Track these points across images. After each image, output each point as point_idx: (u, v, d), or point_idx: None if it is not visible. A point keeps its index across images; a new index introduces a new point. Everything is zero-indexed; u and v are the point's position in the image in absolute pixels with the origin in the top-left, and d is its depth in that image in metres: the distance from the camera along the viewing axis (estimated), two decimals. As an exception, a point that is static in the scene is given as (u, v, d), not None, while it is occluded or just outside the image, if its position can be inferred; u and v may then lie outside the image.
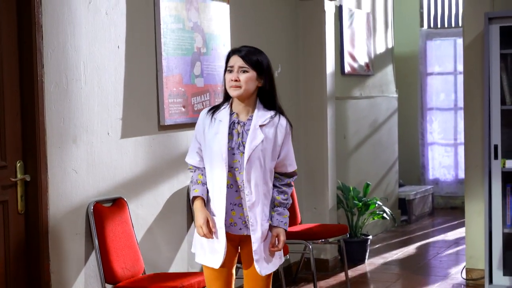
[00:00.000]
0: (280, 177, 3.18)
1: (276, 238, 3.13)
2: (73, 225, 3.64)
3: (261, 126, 3.07)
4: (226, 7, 4.79)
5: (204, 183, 3.14)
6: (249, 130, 3.06)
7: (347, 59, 6.61)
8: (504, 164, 4.85)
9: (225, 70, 3.12)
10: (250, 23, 5.15)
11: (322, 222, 5.68)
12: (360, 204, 6.06)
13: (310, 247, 5.01)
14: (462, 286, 5.29)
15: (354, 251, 5.95)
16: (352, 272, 5.71)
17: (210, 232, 3.05)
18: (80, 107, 3.67)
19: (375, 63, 7.24)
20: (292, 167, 3.20)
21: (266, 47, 5.32)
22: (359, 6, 6.91)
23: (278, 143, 3.11)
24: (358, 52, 6.84)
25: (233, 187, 3.07)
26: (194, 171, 3.20)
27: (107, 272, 3.67)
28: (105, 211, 3.76)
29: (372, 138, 7.18)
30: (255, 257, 3.08)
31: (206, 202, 3.12)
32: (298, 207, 5.44)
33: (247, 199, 3.05)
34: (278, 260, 3.20)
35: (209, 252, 3.12)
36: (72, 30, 3.62)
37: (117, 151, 3.91)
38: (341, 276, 5.55)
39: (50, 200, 3.50)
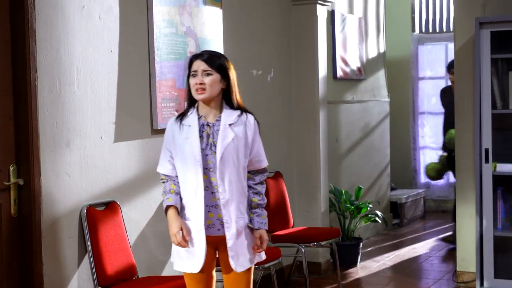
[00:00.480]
0: (253, 176, 3.24)
1: (259, 239, 3.20)
2: (66, 229, 3.65)
3: (230, 125, 3.13)
4: (219, 12, 4.81)
5: (177, 193, 3.18)
6: (218, 130, 3.13)
7: (339, 64, 6.65)
8: (495, 167, 4.88)
9: (188, 75, 3.17)
10: (243, 28, 5.17)
11: (315, 225, 5.70)
12: (352, 207, 6.09)
13: (303, 250, 5.04)
14: (453, 289, 5.34)
15: (346, 254, 5.98)
16: (344, 275, 5.74)
17: (184, 240, 3.10)
18: (73, 111, 3.69)
19: (367, 68, 7.28)
20: (264, 163, 3.27)
21: (259, 51, 5.37)
22: (351, 11, 6.95)
23: (248, 140, 3.18)
24: (350, 56, 6.88)
25: (209, 189, 3.12)
26: (166, 181, 3.23)
27: (100, 275, 3.68)
28: (98, 215, 3.77)
29: (364, 142, 7.21)
30: (230, 253, 3.12)
31: (181, 209, 3.17)
32: (290, 211, 5.47)
33: (221, 197, 3.10)
34: (254, 258, 3.23)
35: (186, 258, 3.16)
36: (66, 34, 3.64)
37: (110, 155, 3.93)
38: (334, 279, 5.57)
39: (43, 204, 3.51)
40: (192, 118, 3.16)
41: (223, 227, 3.13)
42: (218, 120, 3.16)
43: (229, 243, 3.12)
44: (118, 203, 3.93)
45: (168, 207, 3.15)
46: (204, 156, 3.11)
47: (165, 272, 4.27)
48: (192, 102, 3.20)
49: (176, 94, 4.38)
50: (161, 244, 4.29)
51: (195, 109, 3.19)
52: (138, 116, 4.14)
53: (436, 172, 7.24)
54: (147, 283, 3.78)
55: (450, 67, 6.74)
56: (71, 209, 3.68)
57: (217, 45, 4.77)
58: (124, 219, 3.94)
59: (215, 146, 3.11)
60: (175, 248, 3.20)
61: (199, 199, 3.09)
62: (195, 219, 3.11)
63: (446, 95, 6.91)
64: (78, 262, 3.72)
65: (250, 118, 3.21)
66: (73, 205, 3.68)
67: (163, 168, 3.24)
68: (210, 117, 3.17)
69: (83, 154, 3.75)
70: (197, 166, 3.09)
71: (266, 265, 4.47)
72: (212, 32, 4.73)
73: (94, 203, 3.80)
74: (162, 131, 4.24)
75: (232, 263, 3.13)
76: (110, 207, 3.88)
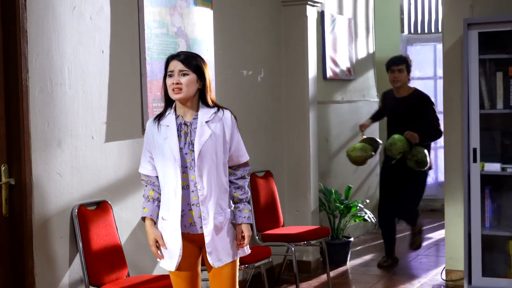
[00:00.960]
0: (234, 171, 3.27)
1: (241, 234, 3.25)
2: (58, 228, 3.67)
3: (206, 122, 3.17)
4: (209, 13, 4.84)
5: (155, 199, 3.24)
6: (196, 128, 3.16)
7: (329, 64, 6.69)
8: (482, 167, 4.93)
9: (165, 76, 3.20)
10: (233, 28, 5.20)
11: (304, 224, 5.74)
12: (342, 206, 6.13)
13: (293, 249, 5.07)
14: (442, 287, 5.38)
15: (336, 253, 6.02)
16: (334, 274, 5.78)
17: (160, 252, 3.22)
18: (64, 111, 3.70)
19: (357, 68, 7.32)
20: (244, 157, 3.30)
21: (249, 51, 5.40)
22: (341, 12, 6.99)
23: (226, 136, 3.21)
24: (340, 57, 6.92)
25: (189, 188, 3.16)
26: (146, 185, 3.28)
27: (92, 275, 3.70)
28: (90, 214, 3.79)
29: (353, 141, 7.24)
30: (207, 250, 3.16)
31: (161, 207, 3.22)
32: (280, 210, 5.50)
33: (199, 194, 3.13)
34: (237, 253, 3.27)
35: (167, 256, 3.23)
36: (57, 34, 3.65)
37: (101, 155, 3.94)
38: (323, 278, 5.61)
39: (35, 204, 3.52)
40: (169, 118, 3.20)
41: None
42: (195, 119, 3.19)
43: (207, 239, 3.16)
44: (109, 202, 3.95)
45: (144, 217, 3.25)
46: (183, 155, 3.15)
47: (156, 271, 4.30)
48: (169, 102, 3.23)
49: (167, 94, 4.40)
50: (152, 243, 4.30)
51: (173, 109, 3.22)
52: (129, 116, 4.16)
53: (362, 151, 5.77)
54: (138, 282, 3.80)
55: (390, 65, 5.81)
56: (63, 209, 3.69)
57: (207, 45, 4.79)
58: (115, 219, 3.96)
59: (193, 144, 3.15)
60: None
61: (178, 198, 3.14)
62: (173, 218, 3.16)
63: (386, 99, 6.03)
64: (69, 262, 3.73)
65: (227, 114, 3.23)
66: (64, 204, 3.70)
67: (144, 168, 3.29)
68: (187, 117, 3.20)
69: (74, 154, 3.77)
70: (176, 166, 3.13)
71: (256, 264, 4.50)
72: (202, 32, 4.75)
73: (85, 202, 3.81)
74: (153, 131, 4.27)
75: (209, 259, 3.18)
76: (101, 207, 3.90)
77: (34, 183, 3.51)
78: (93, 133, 3.89)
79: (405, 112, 5.75)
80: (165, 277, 3.88)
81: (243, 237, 3.25)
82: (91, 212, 3.82)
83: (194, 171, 3.13)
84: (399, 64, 5.76)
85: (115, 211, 3.99)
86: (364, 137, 5.96)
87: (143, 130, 4.21)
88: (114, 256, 3.84)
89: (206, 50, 4.75)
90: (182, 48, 4.52)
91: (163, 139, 3.17)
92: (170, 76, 3.16)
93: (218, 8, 4.95)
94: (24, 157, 3.46)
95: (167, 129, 3.18)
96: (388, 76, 5.86)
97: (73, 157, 3.75)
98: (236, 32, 5.24)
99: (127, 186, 4.13)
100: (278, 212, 5.46)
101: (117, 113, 4.05)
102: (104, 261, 3.77)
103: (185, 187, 3.15)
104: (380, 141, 6.00)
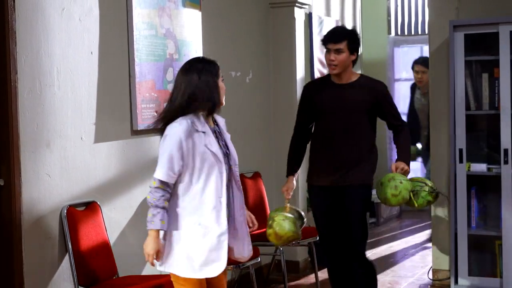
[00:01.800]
0: None
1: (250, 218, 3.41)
2: (47, 229, 3.68)
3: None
4: (198, 14, 4.86)
5: (167, 209, 3.09)
6: (220, 132, 3.25)
7: (316, 65, 6.72)
8: (469, 167, 4.97)
9: (214, 76, 3.21)
10: (222, 30, 5.22)
11: (293, 225, 5.76)
12: (330, 207, 6.14)
13: (281, 249, 5.10)
14: (429, 286, 5.42)
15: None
16: (322, 274, 5.78)
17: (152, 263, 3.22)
18: (53, 112, 3.71)
19: (344, 69, 7.35)
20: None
21: (237, 53, 5.42)
22: (328, 13, 7.03)
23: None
24: (328, 58, 6.95)
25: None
26: (163, 195, 3.05)
27: (81, 275, 3.71)
28: (79, 215, 3.80)
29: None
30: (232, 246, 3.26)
31: (194, 213, 3.11)
32: (269, 210, 5.52)
33: (234, 195, 3.24)
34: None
35: (202, 264, 3.10)
36: (46, 36, 3.66)
37: (90, 156, 3.95)
38: (311, 278, 5.64)
39: (24, 204, 3.53)
40: (203, 124, 3.14)
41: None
42: (216, 125, 3.26)
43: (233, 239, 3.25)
44: (98, 203, 3.96)
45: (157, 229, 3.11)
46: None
47: (145, 272, 4.31)
48: (189, 107, 3.10)
49: (156, 95, 4.42)
50: (141, 243, 4.29)
51: (201, 116, 3.14)
52: (118, 117, 4.17)
53: (296, 227, 4.06)
54: (127, 282, 3.82)
55: (325, 43, 4.05)
56: (52, 209, 3.70)
57: (196, 47, 4.81)
58: (104, 219, 3.97)
59: (227, 148, 3.23)
60: (184, 253, 3.10)
61: (223, 204, 3.14)
62: (218, 224, 3.11)
63: (315, 93, 4.14)
64: (58, 262, 3.74)
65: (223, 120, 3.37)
66: (53, 205, 3.71)
67: (168, 176, 3.06)
68: (211, 122, 3.23)
69: (63, 154, 3.77)
70: (223, 171, 3.13)
71: (245, 264, 4.52)
72: (191, 34, 4.77)
73: (74, 203, 3.82)
74: (142, 132, 4.29)
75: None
76: (91, 207, 3.91)
77: (23, 184, 3.52)
78: (82, 134, 3.90)
79: (353, 102, 4.01)
80: (153, 277, 3.89)
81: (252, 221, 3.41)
82: (80, 212, 3.83)
83: (230, 172, 3.22)
84: (337, 42, 3.97)
85: (104, 212, 4.00)
86: (288, 205, 4.25)
87: (132, 131, 4.24)
88: (103, 257, 3.86)
89: (195, 52, 4.77)
90: (171, 49, 4.54)
91: (203, 145, 3.10)
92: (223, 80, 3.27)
93: (206, 9, 4.97)
94: (13, 158, 3.47)
95: (206, 135, 3.12)
96: (325, 58, 4.10)
97: (62, 158, 3.76)
98: (225, 33, 5.26)
99: (116, 187, 4.14)
100: (267, 212, 5.48)
101: (106, 114, 4.06)
102: (93, 262, 3.78)
103: None
104: (305, 218, 4.27)
